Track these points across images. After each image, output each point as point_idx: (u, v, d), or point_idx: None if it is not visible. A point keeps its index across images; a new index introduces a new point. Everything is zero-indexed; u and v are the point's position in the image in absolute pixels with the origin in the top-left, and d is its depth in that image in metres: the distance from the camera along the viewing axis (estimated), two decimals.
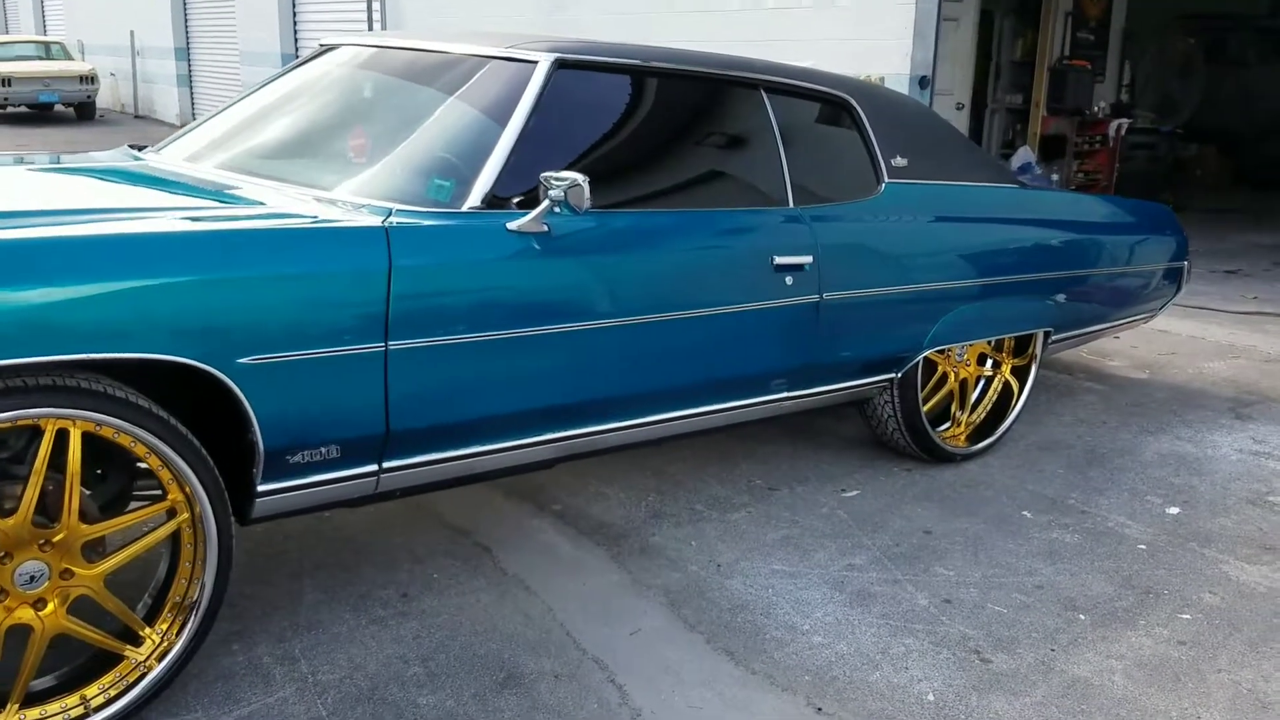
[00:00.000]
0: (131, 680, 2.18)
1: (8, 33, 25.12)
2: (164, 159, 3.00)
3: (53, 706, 2.10)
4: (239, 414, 2.17)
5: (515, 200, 2.59)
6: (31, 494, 1.98)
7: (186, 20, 16.97)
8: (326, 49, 3.37)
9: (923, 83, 6.57)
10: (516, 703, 2.36)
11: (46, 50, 18.30)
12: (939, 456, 3.70)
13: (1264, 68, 11.52)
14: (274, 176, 2.68)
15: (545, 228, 2.54)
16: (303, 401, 2.23)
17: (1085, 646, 2.66)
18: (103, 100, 18.44)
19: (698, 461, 3.73)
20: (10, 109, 17.18)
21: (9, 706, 2.05)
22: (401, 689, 2.39)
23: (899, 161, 3.37)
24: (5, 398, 1.90)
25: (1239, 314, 6.13)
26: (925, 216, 3.42)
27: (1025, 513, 3.42)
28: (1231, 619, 2.81)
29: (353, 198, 2.51)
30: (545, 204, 2.49)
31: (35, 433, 2.00)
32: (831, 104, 3.31)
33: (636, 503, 3.41)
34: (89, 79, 17.46)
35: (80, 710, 2.12)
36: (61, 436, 1.99)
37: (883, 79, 6.30)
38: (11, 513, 1.99)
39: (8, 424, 1.92)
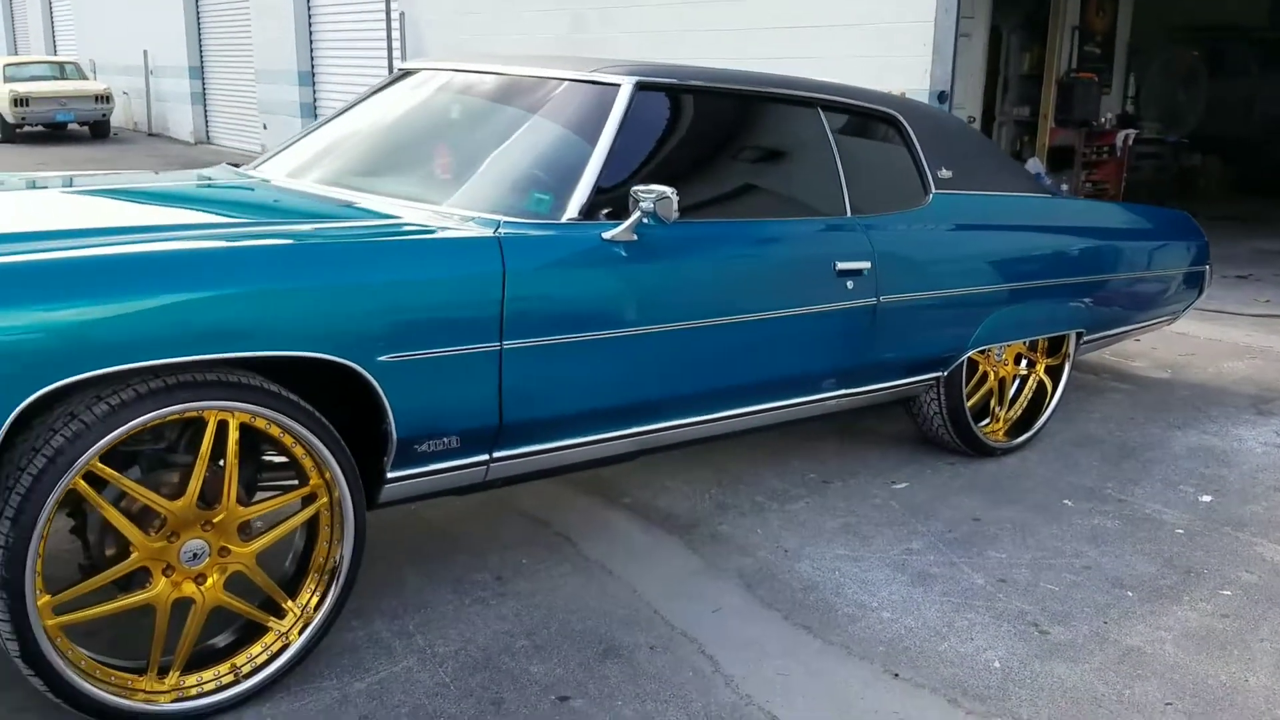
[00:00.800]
0: (275, 650, 2.39)
1: (18, 53, 25.39)
2: (268, 175, 3.22)
3: (208, 674, 2.32)
4: (375, 407, 2.39)
5: (604, 212, 2.81)
6: (197, 479, 2.20)
7: (200, 39, 17.23)
8: (405, 73, 3.60)
9: (941, 97, 6.81)
10: (619, 670, 2.57)
11: (61, 70, 18.55)
12: (981, 451, 3.92)
13: (1265, 77, 11.79)
14: (379, 192, 2.90)
15: (635, 237, 2.76)
16: (430, 395, 2.45)
17: (1135, 620, 2.87)
18: (115, 119, 18.67)
19: (752, 458, 3.95)
20: (27, 128, 17.41)
21: (171, 672, 2.27)
22: (513, 659, 2.60)
23: (944, 173, 3.61)
24: (175, 392, 2.12)
25: (1254, 316, 6.37)
26: (969, 225, 3.65)
27: (1066, 501, 3.64)
28: (1270, 594, 3.03)
29: (461, 211, 2.73)
30: (636, 215, 2.71)
31: (192, 425, 2.22)
32: (881, 120, 3.55)
33: (700, 495, 3.63)
34: (104, 98, 17.71)
35: (231, 678, 2.33)
36: (220, 428, 2.21)
37: (903, 94, 6.54)
38: (178, 496, 2.21)
39: (176, 415, 2.14)
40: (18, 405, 1.92)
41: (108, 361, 2.01)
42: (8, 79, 17.40)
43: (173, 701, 2.25)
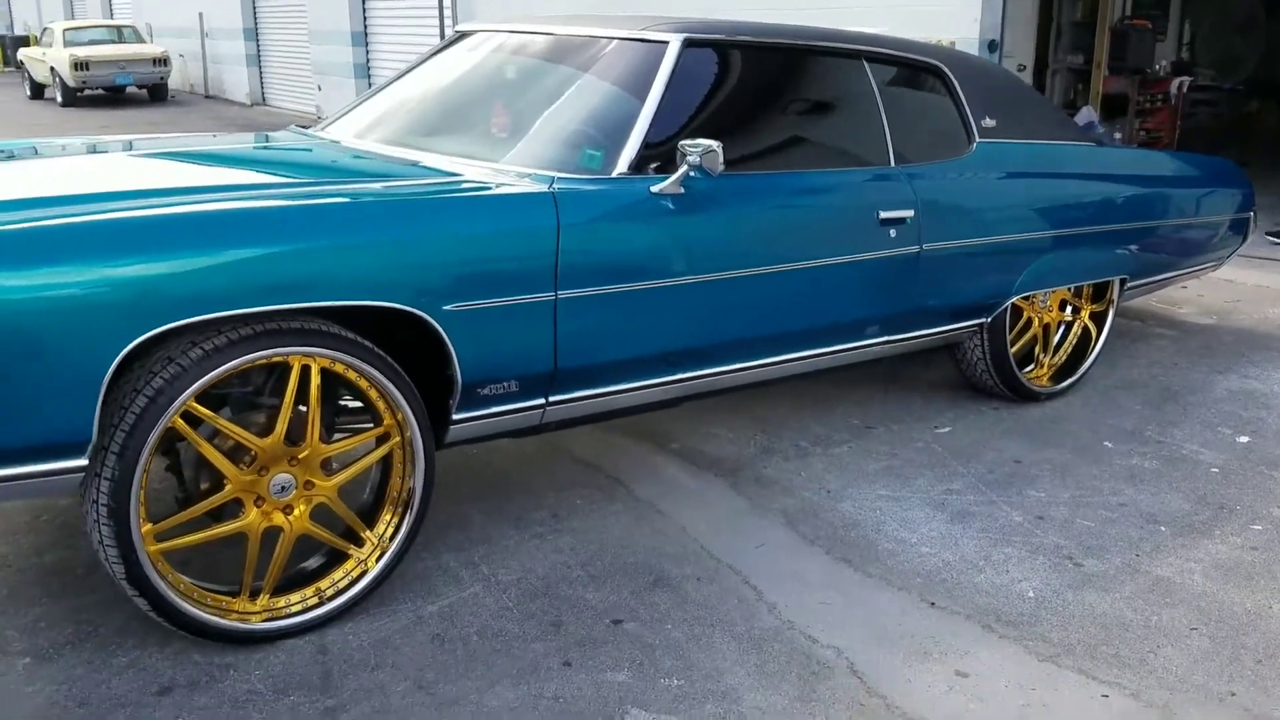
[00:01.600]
0: (355, 575, 2.59)
1: (74, 17, 25.86)
2: (335, 137, 3.39)
3: (294, 596, 2.53)
4: (442, 353, 2.57)
5: (652, 166, 2.94)
6: (284, 419, 2.40)
7: (254, 2, 17.45)
8: (462, 35, 3.74)
9: (991, 46, 6.81)
10: (669, 598, 2.75)
11: (119, 34, 18.91)
12: (1024, 396, 4.02)
13: None
14: (440, 151, 3.06)
15: (682, 190, 2.90)
16: (491, 342, 2.62)
17: (1167, 552, 2.99)
18: (172, 81, 19.00)
19: (796, 405, 4.08)
20: (88, 91, 17.80)
21: (262, 595, 2.48)
22: (570, 587, 2.79)
23: (988, 122, 3.68)
24: (262, 339, 2.31)
25: None
26: (1013, 173, 3.73)
27: (1106, 443, 3.74)
28: None
29: (517, 167, 2.88)
30: (684, 169, 2.84)
31: (275, 370, 2.41)
32: (926, 71, 3.63)
33: (745, 441, 3.78)
34: (162, 61, 18.04)
35: (315, 600, 2.54)
36: (303, 373, 2.40)
37: (953, 43, 6.55)
38: (266, 435, 2.40)
39: (263, 360, 2.33)
40: (122, 349, 2.12)
41: (201, 310, 2.19)
42: (68, 43, 17.79)
43: (264, 621, 2.46)
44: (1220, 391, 4.26)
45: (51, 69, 17.86)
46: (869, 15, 6.90)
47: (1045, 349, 4.13)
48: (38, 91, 19.24)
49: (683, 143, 2.83)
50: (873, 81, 3.45)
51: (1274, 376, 4.42)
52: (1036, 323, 4.07)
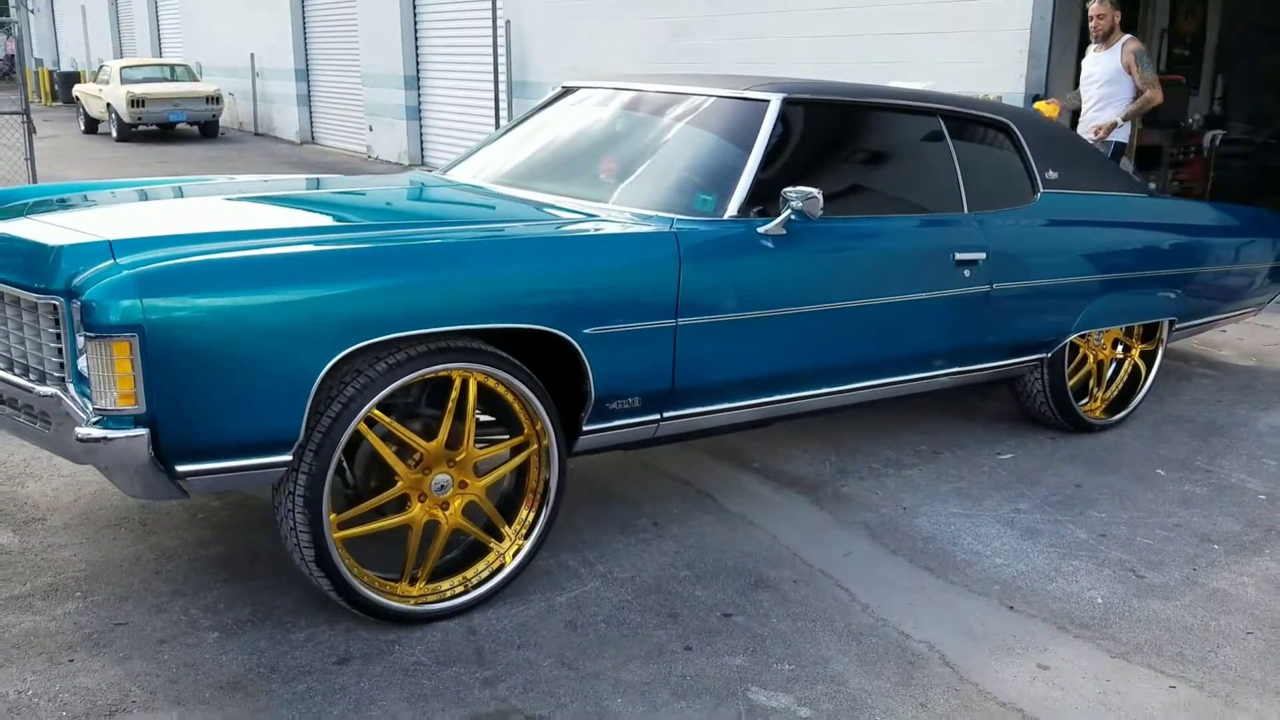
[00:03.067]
0: (495, 568, 2.91)
1: (123, 55, 26.66)
2: (466, 180, 3.77)
3: (445, 584, 2.85)
4: (577, 371, 2.90)
5: (755, 209, 3.28)
6: (446, 425, 2.73)
7: (306, 43, 18.06)
8: (567, 90, 4.12)
9: (1036, 100, 7.15)
10: (770, 597, 3.05)
11: (172, 72, 19.54)
12: (1080, 427, 4.32)
13: None
14: (569, 194, 3.42)
15: (784, 231, 3.23)
16: (621, 362, 2.95)
17: (1221, 568, 3.27)
18: (222, 119, 19.61)
19: (866, 431, 4.39)
20: (142, 127, 18.41)
21: (419, 581, 2.80)
22: (679, 585, 3.10)
23: (1051, 175, 4.02)
24: (433, 356, 2.65)
25: None
26: (1073, 221, 4.06)
27: (1159, 471, 4.03)
28: None
29: (637, 210, 3.23)
30: (787, 212, 3.18)
31: (430, 383, 2.74)
32: (994, 127, 3.98)
33: (821, 463, 4.08)
34: (214, 99, 18.64)
35: (462, 588, 2.86)
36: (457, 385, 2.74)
37: (1000, 97, 6.90)
38: (430, 438, 2.74)
39: (431, 375, 2.67)
40: (329, 362, 2.46)
41: (389, 329, 2.54)
42: (124, 80, 18.43)
43: (422, 604, 2.78)
44: (1263, 427, 4.55)
45: (108, 105, 18.48)
46: (919, 70, 7.28)
47: (1099, 384, 4.43)
48: (91, 126, 19.87)
49: (786, 189, 3.17)
50: (948, 136, 3.80)
51: None
52: (1091, 359, 4.38)
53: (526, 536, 2.96)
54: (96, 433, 2.28)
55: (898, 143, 3.81)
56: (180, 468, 2.36)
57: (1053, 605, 3.05)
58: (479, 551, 2.93)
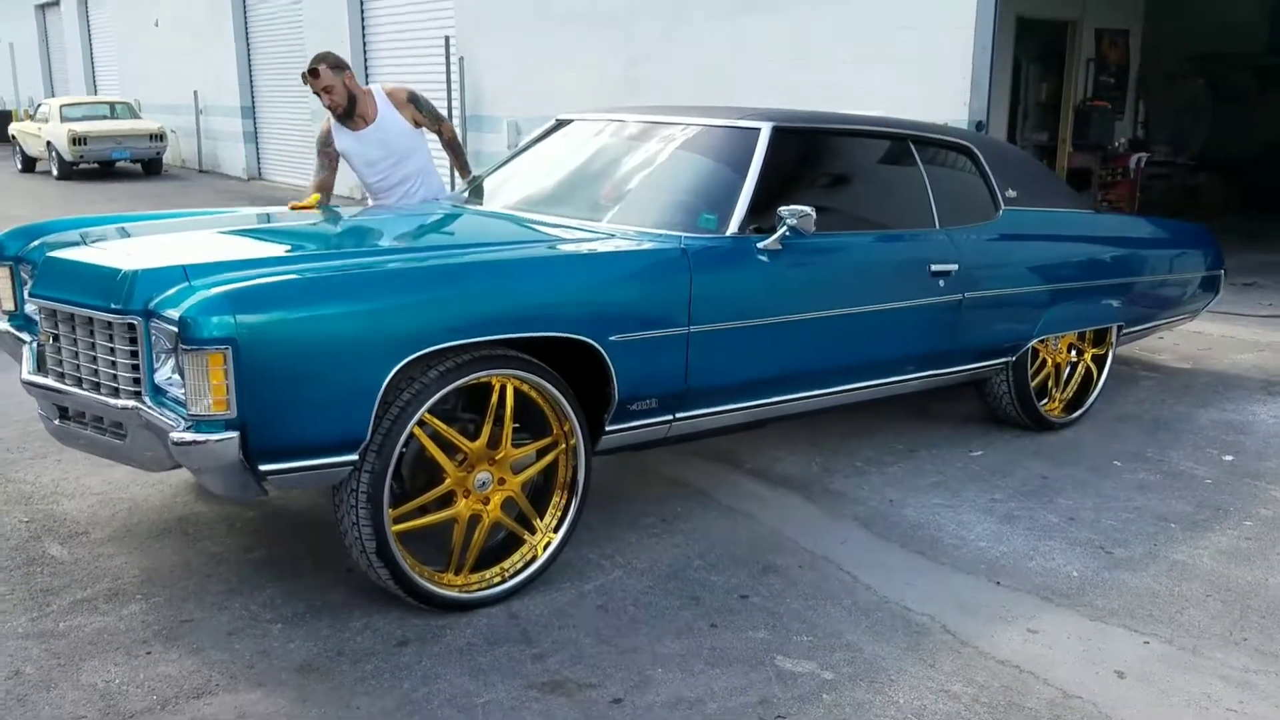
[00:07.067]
0: (529, 559, 3.15)
1: (56, 94, 26.37)
2: (484, 205, 4.05)
3: (486, 573, 3.08)
4: (602, 375, 3.16)
5: (752, 227, 3.58)
6: (487, 427, 2.98)
7: (253, 80, 18.12)
8: (561, 122, 4.41)
9: (978, 127, 7.60)
10: (780, 580, 3.33)
11: (113, 110, 19.43)
12: (1042, 425, 4.69)
13: (1265, 101, 12.58)
14: (584, 217, 3.69)
15: (780, 246, 3.54)
16: (641, 366, 3.23)
17: (1179, 543, 3.63)
18: (165, 157, 19.54)
19: (844, 433, 4.70)
20: (83, 165, 18.28)
21: (463, 571, 3.03)
22: (695, 572, 3.36)
23: (1010, 193, 4.40)
24: (478, 364, 2.90)
25: (1260, 317, 7.14)
26: (1032, 235, 4.44)
27: (1116, 462, 4.40)
28: None
29: (651, 229, 3.51)
30: (783, 229, 3.49)
31: (470, 389, 2.98)
32: (959, 150, 4.34)
33: (806, 463, 4.38)
34: (159, 136, 18.56)
35: (500, 578, 3.10)
36: (496, 390, 2.99)
37: (946, 123, 7.33)
38: (474, 439, 2.98)
39: (475, 381, 2.92)
40: (394, 368, 2.70)
41: (442, 339, 2.78)
42: (65, 119, 18.30)
43: (467, 592, 3.02)
44: (1204, 421, 4.96)
45: (48, 143, 18.33)
46: (868, 98, 7.68)
47: (1057, 385, 4.80)
48: (29, 165, 19.68)
49: (781, 208, 3.48)
50: (919, 158, 4.15)
51: (1247, 409, 5.13)
52: (1050, 362, 4.75)
53: (556, 530, 3.21)
54: (191, 436, 2.49)
55: (874, 165, 4.15)
56: (263, 467, 2.58)
57: (1034, 579, 3.36)
58: (513, 544, 3.17)
